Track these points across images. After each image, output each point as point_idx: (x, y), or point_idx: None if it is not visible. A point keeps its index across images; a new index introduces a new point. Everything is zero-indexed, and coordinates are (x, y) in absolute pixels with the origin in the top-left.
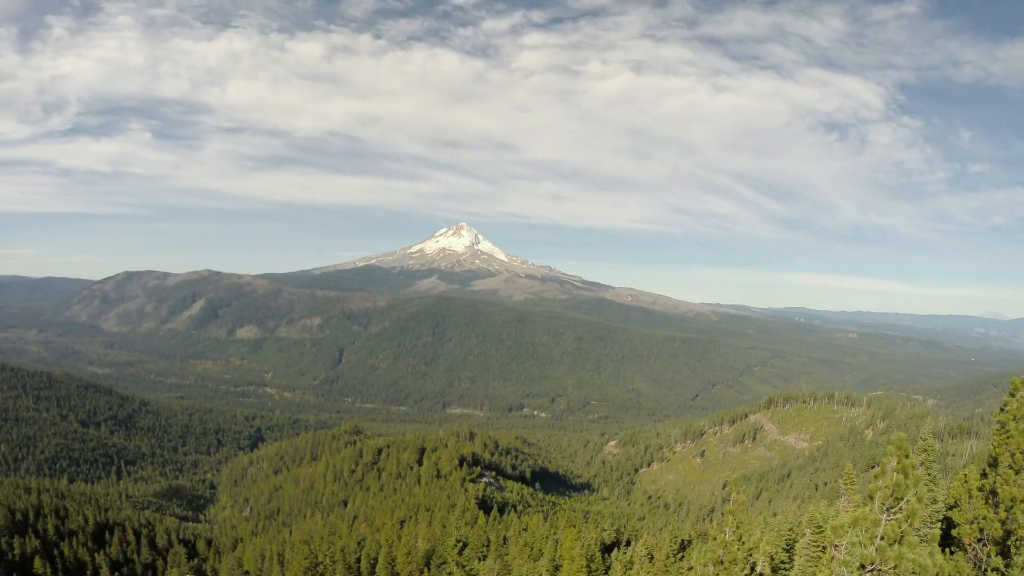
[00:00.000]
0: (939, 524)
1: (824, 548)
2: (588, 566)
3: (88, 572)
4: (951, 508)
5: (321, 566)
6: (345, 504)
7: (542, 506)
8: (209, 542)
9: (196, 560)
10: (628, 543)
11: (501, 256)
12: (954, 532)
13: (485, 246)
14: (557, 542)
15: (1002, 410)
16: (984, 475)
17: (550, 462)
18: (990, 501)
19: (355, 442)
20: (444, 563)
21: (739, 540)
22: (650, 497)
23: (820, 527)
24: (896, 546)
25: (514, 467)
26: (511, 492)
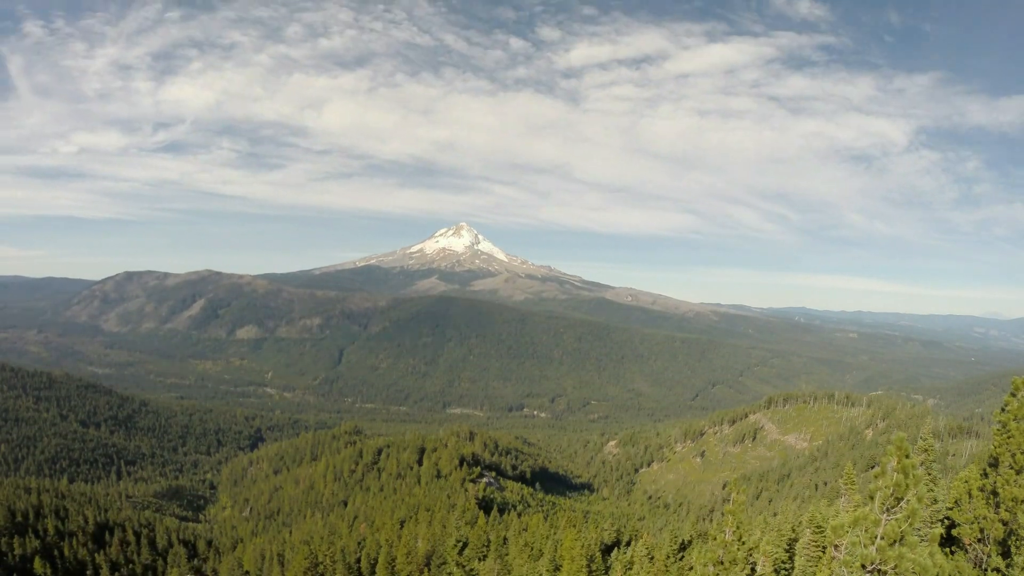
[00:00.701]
0: (940, 524)
1: (824, 548)
2: (588, 566)
3: (88, 572)
4: (951, 508)
5: (321, 566)
6: (345, 504)
7: (542, 506)
8: (209, 542)
9: (196, 560)
10: (628, 543)
11: (501, 256)
12: (954, 532)
13: (485, 246)
14: (557, 542)
15: (1003, 410)
16: (985, 475)
17: (550, 462)
18: (991, 501)
19: (355, 442)
20: (444, 563)
21: (739, 540)
22: (650, 497)
23: (820, 527)
24: (896, 546)
25: (514, 467)
26: (511, 492)
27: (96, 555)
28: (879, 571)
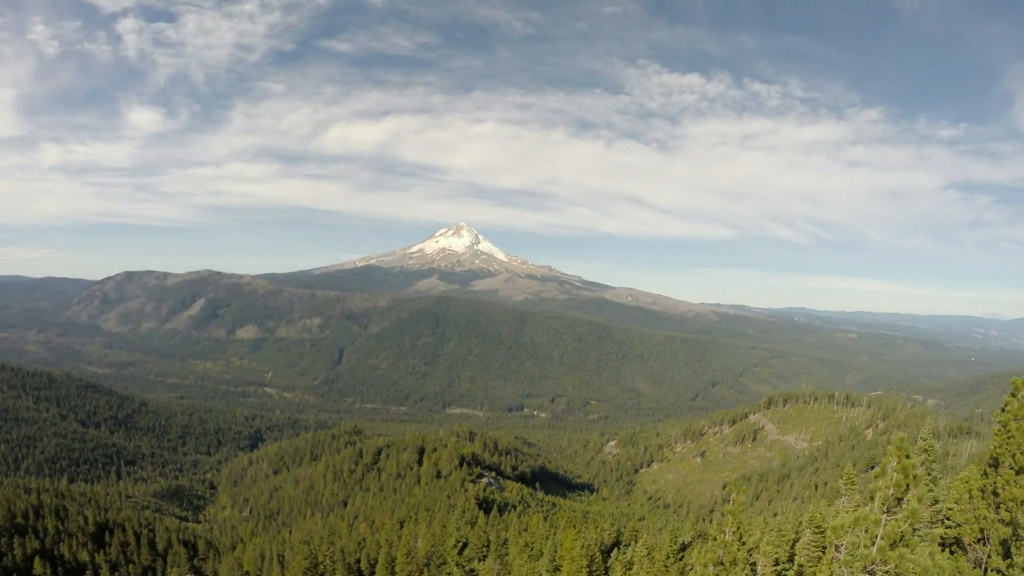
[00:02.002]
0: (940, 524)
1: (824, 548)
2: (588, 566)
3: (88, 573)
4: (952, 508)
5: (321, 566)
6: (345, 504)
7: (542, 506)
8: (209, 543)
9: (196, 561)
10: (628, 543)
11: (501, 256)
12: (955, 532)
13: (485, 246)
14: (557, 542)
15: (1003, 410)
16: (985, 475)
17: (550, 462)
18: (991, 501)
19: (355, 442)
20: (444, 563)
21: (739, 540)
22: (650, 497)
23: (820, 527)
24: (897, 547)
25: (514, 467)
26: (511, 492)
27: (96, 555)
28: (880, 571)
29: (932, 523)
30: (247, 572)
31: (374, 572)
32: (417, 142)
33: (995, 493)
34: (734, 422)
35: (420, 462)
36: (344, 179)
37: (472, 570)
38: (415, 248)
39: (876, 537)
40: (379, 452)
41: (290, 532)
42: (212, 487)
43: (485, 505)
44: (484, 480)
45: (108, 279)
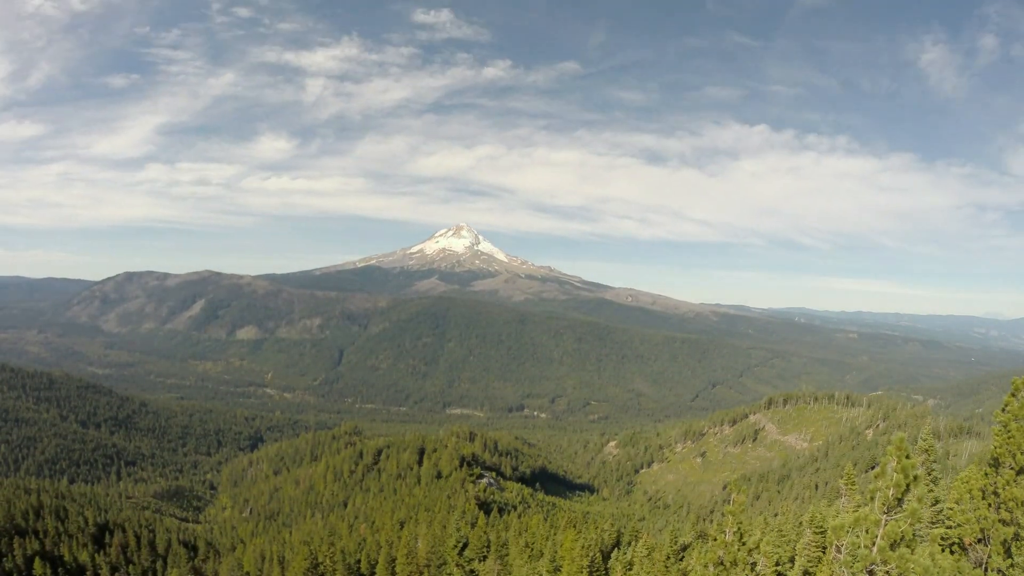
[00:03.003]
0: (940, 525)
1: (825, 548)
2: (588, 567)
3: (88, 574)
4: (952, 508)
5: (321, 567)
6: (345, 505)
7: (542, 507)
8: (209, 543)
9: (196, 561)
10: (628, 544)
11: (501, 256)
12: (955, 532)
13: (485, 246)
14: (557, 543)
15: (1003, 410)
16: (985, 475)
17: (550, 463)
18: (991, 502)
19: (355, 443)
20: (444, 564)
21: (739, 541)
22: (650, 497)
23: (820, 527)
24: (897, 547)
25: (514, 468)
26: (511, 493)
27: (96, 556)
28: (880, 572)
29: (933, 523)
30: (247, 573)
31: (374, 573)
32: (495, 167)
33: (995, 493)
34: (734, 422)
35: (420, 463)
36: (421, 195)
37: (472, 570)
38: (415, 248)
39: (876, 537)
40: (379, 453)
41: (290, 533)
42: (212, 488)
43: (485, 506)
44: (484, 480)
45: (108, 279)
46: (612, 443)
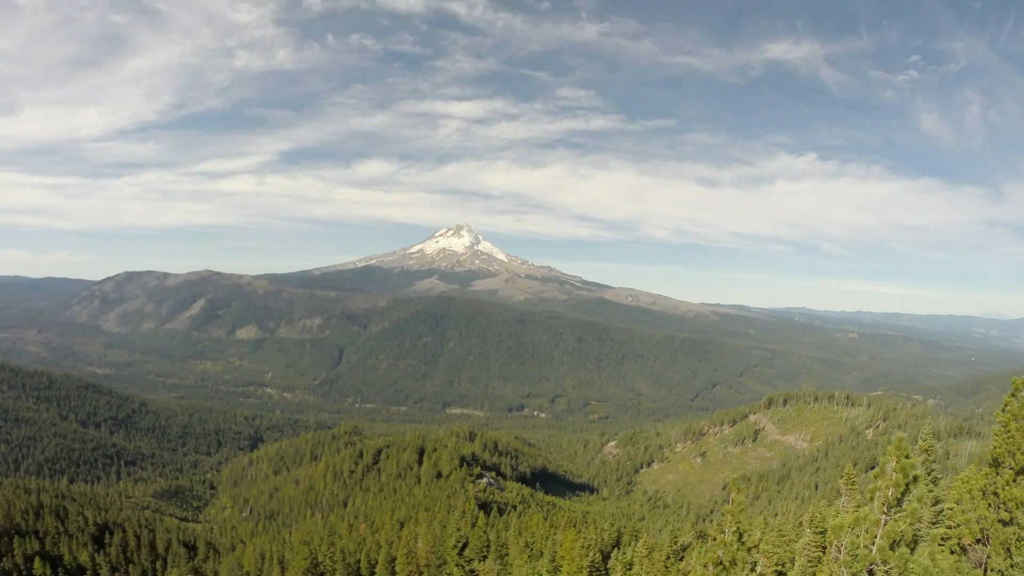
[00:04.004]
0: (940, 525)
1: (825, 548)
2: (588, 567)
3: (88, 574)
4: (952, 508)
5: (321, 567)
6: (345, 505)
7: (542, 506)
8: (209, 543)
9: (196, 561)
10: (628, 543)
11: (501, 256)
12: (955, 532)
13: (485, 246)
14: (557, 542)
15: (1003, 410)
16: (985, 475)
17: (550, 462)
18: (991, 502)
19: (355, 442)
20: (444, 564)
21: (739, 540)
22: (650, 497)
23: (820, 527)
24: (897, 547)
25: (514, 467)
26: (511, 492)
27: (96, 556)
28: (880, 572)
29: (933, 523)
30: (247, 573)
31: (374, 572)
32: (558, 187)
33: (995, 493)
34: (734, 422)
35: (420, 462)
36: (478, 206)
37: (472, 570)
38: (415, 248)
39: (876, 537)
40: (379, 452)
41: (290, 532)
42: (212, 487)
43: (485, 505)
44: (484, 480)
45: (108, 279)
46: (612, 443)
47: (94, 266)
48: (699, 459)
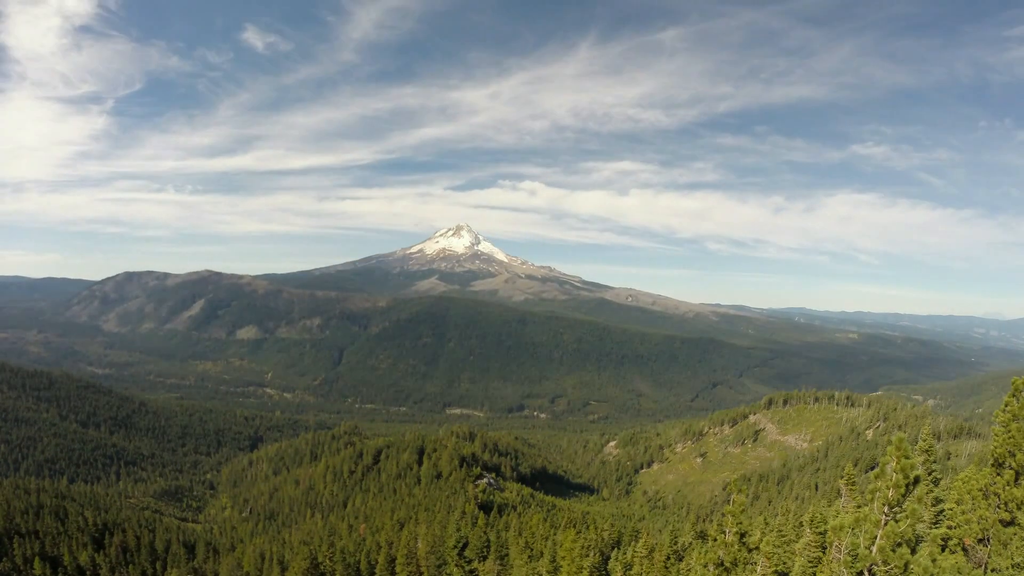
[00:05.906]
0: (941, 525)
1: (825, 548)
2: (588, 567)
3: (88, 574)
4: (952, 509)
5: (321, 567)
6: (345, 505)
7: (542, 507)
8: (209, 543)
9: (196, 561)
10: (628, 544)
11: (501, 256)
12: (955, 533)
13: (485, 247)
14: (557, 543)
15: (1004, 410)
16: (986, 476)
17: (550, 463)
18: (992, 502)
19: (355, 443)
20: (444, 564)
21: (739, 541)
22: (650, 498)
23: (820, 527)
24: (897, 547)
25: (514, 468)
26: (511, 493)
27: (96, 556)
28: (880, 572)
29: (933, 524)
30: (247, 573)
31: (374, 573)
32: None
33: (996, 494)
34: (734, 422)
35: (420, 463)
36: (525, 216)
37: (472, 570)
38: (415, 248)
39: (876, 538)
40: (379, 453)
41: (290, 533)
42: (212, 487)
43: (485, 506)
44: (484, 481)
45: (108, 279)
46: (612, 443)
47: (94, 266)
48: (699, 459)
